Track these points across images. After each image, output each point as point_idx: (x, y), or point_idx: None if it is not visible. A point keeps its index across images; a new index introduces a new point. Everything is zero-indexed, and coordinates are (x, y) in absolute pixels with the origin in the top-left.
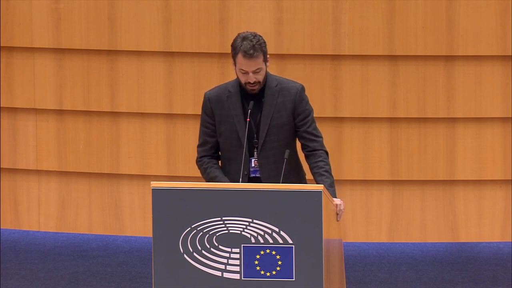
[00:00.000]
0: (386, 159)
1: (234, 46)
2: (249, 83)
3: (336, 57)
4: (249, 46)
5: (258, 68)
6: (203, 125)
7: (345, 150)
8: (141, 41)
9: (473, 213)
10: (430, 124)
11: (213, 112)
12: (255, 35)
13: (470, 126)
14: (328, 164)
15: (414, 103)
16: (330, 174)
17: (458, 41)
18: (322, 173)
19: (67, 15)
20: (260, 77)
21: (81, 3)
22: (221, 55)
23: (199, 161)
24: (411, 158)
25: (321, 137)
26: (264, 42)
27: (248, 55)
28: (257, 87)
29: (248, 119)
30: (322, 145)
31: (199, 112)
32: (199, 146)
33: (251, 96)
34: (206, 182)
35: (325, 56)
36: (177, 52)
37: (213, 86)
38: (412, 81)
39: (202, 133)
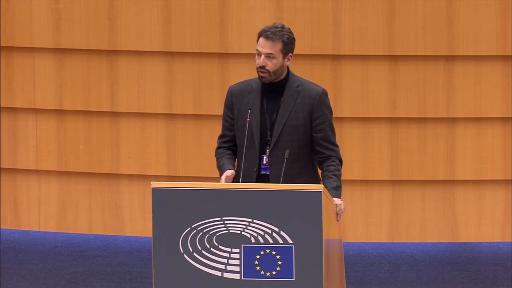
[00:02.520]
0: (386, 159)
1: (259, 32)
2: (259, 67)
3: (336, 57)
4: (272, 30)
5: (271, 53)
6: (224, 118)
7: (345, 150)
8: (141, 41)
9: (473, 213)
10: (430, 124)
11: (233, 106)
12: (284, 27)
13: (470, 126)
14: (339, 170)
15: (414, 103)
16: (339, 178)
17: (458, 41)
18: (330, 176)
19: (67, 15)
20: (271, 64)
21: (81, 3)
22: (221, 55)
23: (216, 152)
24: (411, 158)
25: (338, 146)
26: (291, 36)
27: (265, 35)
28: (266, 75)
29: (248, 119)
30: (338, 154)
31: (199, 112)
32: (219, 137)
33: (272, 94)
34: (218, 170)
35: (325, 56)
36: (177, 52)
37: (213, 86)
38: (412, 81)
39: (223, 127)
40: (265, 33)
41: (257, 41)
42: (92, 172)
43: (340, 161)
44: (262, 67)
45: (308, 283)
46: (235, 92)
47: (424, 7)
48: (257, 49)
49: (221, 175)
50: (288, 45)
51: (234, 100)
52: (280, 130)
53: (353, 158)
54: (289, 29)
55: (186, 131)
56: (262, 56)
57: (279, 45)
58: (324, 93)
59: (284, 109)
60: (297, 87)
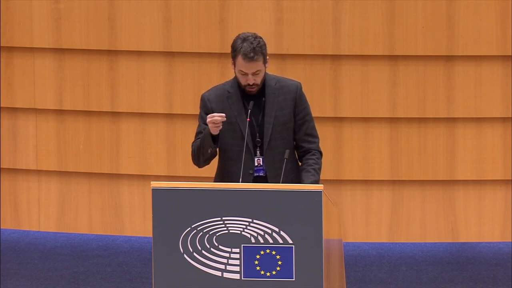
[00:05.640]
0: (386, 159)
1: (234, 48)
2: (248, 84)
3: (336, 57)
4: (250, 49)
5: (257, 71)
6: (204, 124)
7: (345, 150)
8: (141, 41)
9: (473, 213)
10: (430, 124)
11: (213, 112)
12: (255, 37)
13: (470, 126)
14: (318, 164)
15: (414, 103)
16: (317, 172)
17: (458, 41)
18: (309, 170)
19: (67, 15)
20: (259, 79)
21: (81, 3)
22: (221, 55)
23: (192, 151)
24: (411, 158)
25: (318, 137)
26: (265, 44)
27: (248, 58)
28: (255, 89)
29: (248, 119)
30: (318, 146)
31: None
32: (194, 142)
33: (252, 96)
34: (198, 150)
35: (325, 56)
36: (177, 52)
37: (213, 86)
38: (412, 81)
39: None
40: (246, 57)
41: (234, 58)
42: (92, 172)
43: (320, 153)
44: (251, 84)
45: (308, 283)
46: (212, 99)
47: (424, 7)
48: (241, 70)
49: (204, 138)
50: (266, 55)
51: (213, 107)
52: (271, 130)
53: (353, 158)
54: (257, 35)
55: (186, 131)
56: (250, 76)
57: (261, 60)
58: (302, 87)
59: (270, 109)
60: (275, 84)
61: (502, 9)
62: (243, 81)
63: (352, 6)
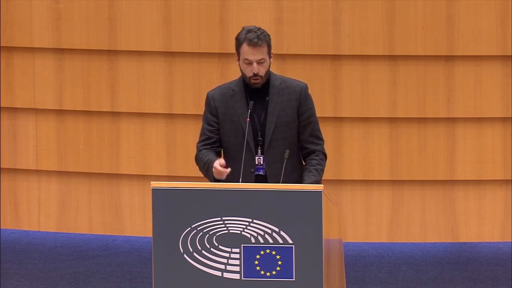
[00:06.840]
0: (386, 159)
1: (238, 38)
2: (253, 75)
3: (336, 57)
4: (254, 35)
5: (262, 59)
6: (207, 123)
7: (345, 150)
8: (141, 41)
9: (473, 213)
10: (430, 124)
11: (217, 110)
12: (259, 28)
13: (470, 126)
14: (321, 164)
15: (414, 103)
16: (319, 173)
17: (458, 41)
18: (311, 170)
19: (67, 15)
20: (263, 69)
21: (81, 3)
22: (221, 55)
23: (197, 155)
24: (411, 158)
25: (323, 140)
26: (269, 35)
27: (253, 43)
28: (259, 81)
29: (248, 119)
30: (323, 148)
31: (199, 112)
32: (200, 142)
33: (256, 94)
34: (202, 169)
35: (325, 56)
36: (177, 52)
37: (213, 86)
38: (412, 81)
39: (206, 131)
40: (251, 42)
41: (238, 48)
42: (92, 172)
43: (325, 155)
44: (256, 74)
45: (308, 283)
46: (216, 97)
47: (424, 7)
48: (246, 59)
49: (208, 169)
50: (270, 45)
51: (217, 105)
52: (272, 129)
53: (353, 158)
54: (261, 28)
55: (186, 131)
56: (255, 64)
57: (265, 49)
58: (307, 88)
59: (273, 108)
60: (280, 84)
61: (502, 9)
62: (247, 72)
63: (352, 6)
